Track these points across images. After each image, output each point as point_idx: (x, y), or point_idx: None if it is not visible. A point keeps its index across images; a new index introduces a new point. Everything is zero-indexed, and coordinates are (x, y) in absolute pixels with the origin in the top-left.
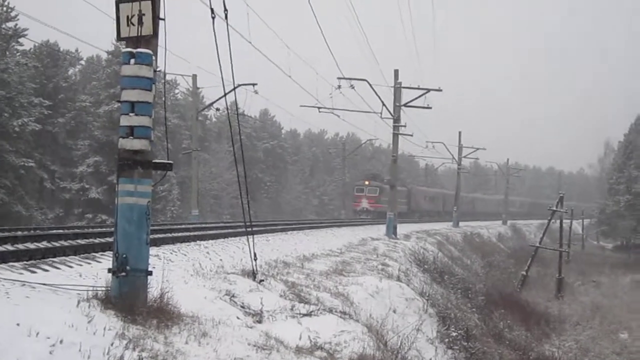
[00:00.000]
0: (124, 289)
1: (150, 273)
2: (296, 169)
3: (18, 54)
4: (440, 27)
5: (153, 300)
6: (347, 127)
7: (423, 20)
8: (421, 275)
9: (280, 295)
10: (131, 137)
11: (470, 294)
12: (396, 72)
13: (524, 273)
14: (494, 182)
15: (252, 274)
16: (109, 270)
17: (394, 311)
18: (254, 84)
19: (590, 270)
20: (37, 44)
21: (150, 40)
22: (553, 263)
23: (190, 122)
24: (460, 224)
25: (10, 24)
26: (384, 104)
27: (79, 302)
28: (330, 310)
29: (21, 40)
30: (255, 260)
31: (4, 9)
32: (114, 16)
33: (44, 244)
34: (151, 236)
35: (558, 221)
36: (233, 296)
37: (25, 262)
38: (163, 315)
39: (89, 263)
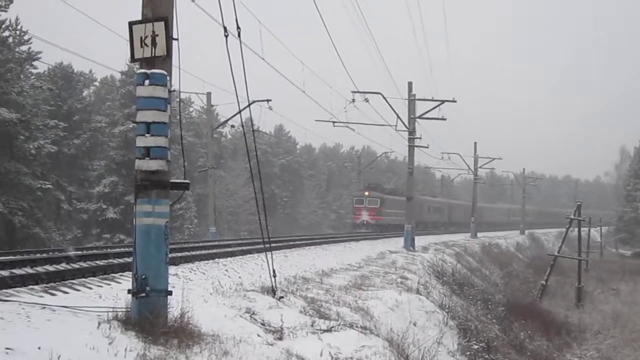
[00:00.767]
0: (144, 309)
1: (170, 293)
2: (312, 184)
3: (32, 76)
4: (453, 38)
5: (173, 320)
6: (363, 141)
7: (436, 31)
8: (440, 288)
9: (300, 312)
10: (148, 158)
11: (490, 305)
12: (410, 84)
13: (543, 282)
14: (511, 192)
15: (272, 291)
16: (129, 291)
17: (415, 324)
18: (268, 100)
19: (609, 278)
20: (51, 67)
21: (164, 60)
22: (572, 272)
23: (205, 140)
24: (478, 234)
25: (24, 48)
26: (398, 117)
27: (99, 323)
28: (351, 325)
29: (35, 63)
30: (275, 276)
31: (18, 32)
32: (128, 37)
33: (63, 266)
34: (170, 255)
35: (576, 229)
36: (253, 314)
37: (45, 285)
38: (184, 335)
39: (109, 284)
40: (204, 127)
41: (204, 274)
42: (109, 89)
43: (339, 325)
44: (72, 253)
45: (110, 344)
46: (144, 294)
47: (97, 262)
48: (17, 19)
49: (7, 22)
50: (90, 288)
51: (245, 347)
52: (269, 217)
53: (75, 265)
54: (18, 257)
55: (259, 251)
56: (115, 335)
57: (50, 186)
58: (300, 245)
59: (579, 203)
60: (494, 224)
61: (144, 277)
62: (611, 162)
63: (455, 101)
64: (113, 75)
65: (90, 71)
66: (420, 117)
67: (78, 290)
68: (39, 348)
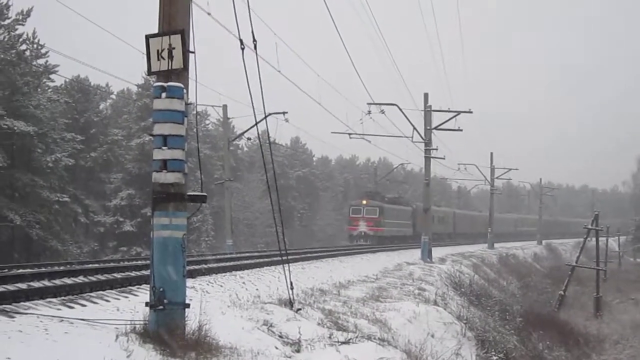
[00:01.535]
0: (162, 322)
1: (188, 305)
2: (328, 196)
3: (49, 90)
4: (469, 48)
5: (191, 332)
6: (379, 152)
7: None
8: (458, 299)
9: (318, 324)
10: (165, 171)
11: (508, 315)
12: (426, 95)
13: (562, 293)
14: (527, 202)
15: (289, 303)
16: (147, 304)
17: (432, 336)
18: (284, 113)
19: (628, 288)
20: (67, 80)
21: (181, 73)
22: (590, 282)
23: (221, 153)
24: (495, 245)
25: (41, 61)
26: (414, 128)
27: (117, 336)
28: (369, 337)
29: (52, 76)
30: (292, 288)
31: (35, 46)
32: (145, 51)
33: (80, 279)
34: (187, 268)
35: (594, 239)
36: (271, 326)
37: (62, 298)
38: (202, 347)
39: (126, 297)
40: (221, 139)
41: (221, 286)
42: (126, 102)
43: (356, 337)
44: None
45: (128, 356)
46: (161, 307)
47: (115, 274)
48: (34, 33)
49: (25, 36)
50: (108, 301)
51: None
52: (286, 229)
53: (93, 278)
54: (36, 269)
55: (276, 263)
56: (133, 348)
57: (67, 199)
58: (317, 257)
59: (596, 213)
60: (502, 234)
61: (161, 289)
62: (628, 172)
63: (471, 112)
64: (129, 89)
65: (107, 84)
66: (436, 128)
67: (96, 303)
68: None
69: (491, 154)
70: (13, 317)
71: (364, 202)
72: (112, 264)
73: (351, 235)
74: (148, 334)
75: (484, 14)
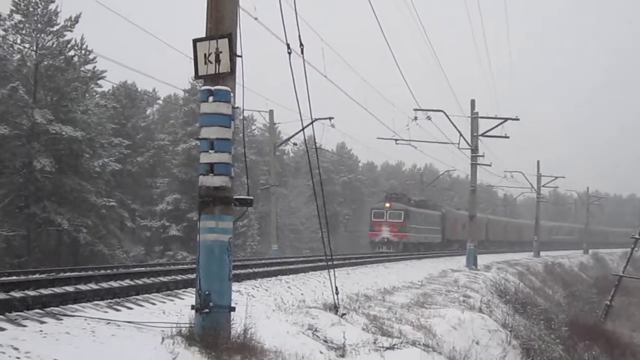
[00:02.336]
0: (208, 325)
1: (234, 309)
2: (374, 202)
3: (97, 95)
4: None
5: (236, 336)
6: (425, 159)
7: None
8: (503, 306)
9: (363, 329)
10: (211, 174)
11: (554, 324)
12: (472, 102)
13: (608, 303)
14: (574, 211)
15: (334, 308)
16: (192, 307)
17: (477, 343)
18: (330, 118)
19: None
20: (115, 85)
21: (228, 77)
22: (637, 292)
23: (267, 158)
24: (541, 253)
25: (89, 67)
26: (461, 135)
27: (163, 339)
28: (413, 343)
29: (100, 82)
30: (337, 294)
31: (83, 52)
32: (192, 55)
33: (127, 282)
34: (233, 272)
35: None
36: (315, 330)
37: (109, 301)
38: (247, 351)
39: (172, 300)
40: (267, 145)
41: (266, 290)
42: (172, 107)
43: (401, 343)
44: (136, 269)
45: (174, 359)
46: (207, 310)
47: (161, 278)
48: (82, 39)
49: (73, 42)
50: (154, 304)
51: None
52: (331, 234)
53: (139, 282)
54: (83, 273)
55: (321, 268)
56: (179, 350)
57: (114, 204)
58: (362, 263)
59: None
60: (529, 243)
61: (207, 293)
62: None
63: (518, 119)
64: (176, 94)
65: (154, 89)
66: (483, 134)
67: (142, 306)
68: None
69: (538, 161)
70: (61, 320)
71: (387, 205)
72: (158, 268)
73: (372, 241)
74: (193, 337)
75: (532, 14)
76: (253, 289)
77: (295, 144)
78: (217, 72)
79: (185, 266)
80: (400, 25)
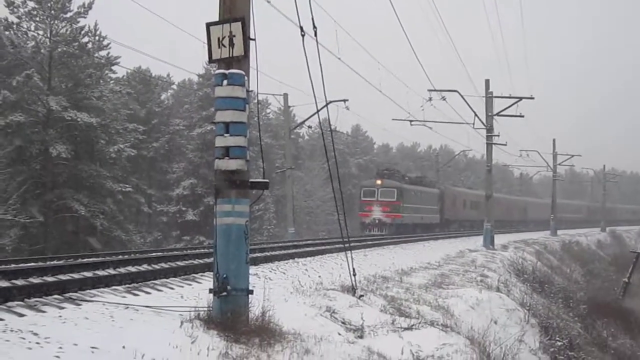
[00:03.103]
0: (226, 308)
1: (251, 292)
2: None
3: (111, 81)
4: (530, 32)
5: (255, 319)
6: (440, 139)
7: (513, 25)
8: (521, 286)
9: (381, 310)
10: (227, 158)
11: (572, 303)
12: (487, 82)
13: (626, 280)
14: (590, 189)
15: (352, 290)
16: (210, 291)
17: (495, 322)
18: (345, 100)
19: None
20: (129, 71)
21: (242, 60)
22: None
23: (282, 141)
24: (558, 232)
25: (103, 53)
26: (476, 115)
27: (182, 323)
28: (431, 324)
29: (114, 67)
30: (354, 275)
31: (97, 38)
32: (205, 39)
33: (144, 267)
34: (249, 255)
35: None
36: (333, 312)
37: (127, 285)
38: (265, 333)
39: (190, 284)
40: (281, 128)
41: (284, 273)
42: (187, 92)
43: (419, 323)
44: (153, 254)
45: (192, 342)
46: (225, 293)
47: (178, 262)
48: (95, 25)
49: (87, 28)
50: (172, 288)
51: (327, 346)
52: (347, 217)
53: (157, 266)
54: (100, 259)
55: (338, 251)
56: (198, 334)
57: (130, 189)
58: (379, 245)
59: None
60: (535, 221)
61: (225, 276)
62: None
63: (533, 98)
64: (190, 79)
65: (168, 75)
66: (497, 114)
67: (160, 290)
68: (124, 347)
69: (553, 140)
70: (79, 305)
71: (379, 182)
72: (175, 252)
73: (363, 223)
74: (212, 320)
75: None
76: (270, 272)
77: (310, 127)
78: (230, 55)
79: (202, 250)
80: (413, 6)
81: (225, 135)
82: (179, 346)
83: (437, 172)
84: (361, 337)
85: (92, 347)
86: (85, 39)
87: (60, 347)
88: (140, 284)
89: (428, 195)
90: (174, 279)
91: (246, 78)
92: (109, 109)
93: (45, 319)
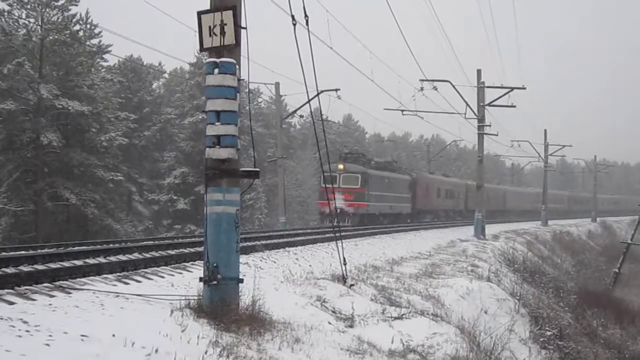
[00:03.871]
0: (216, 297)
1: (242, 281)
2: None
3: (103, 69)
4: (522, 23)
5: (245, 307)
6: (432, 129)
7: (505, 16)
8: (511, 276)
9: (371, 299)
10: (218, 147)
11: (562, 293)
12: (479, 71)
13: (616, 270)
14: (582, 180)
15: (342, 279)
16: (201, 279)
17: (486, 312)
18: (336, 90)
19: None
20: (121, 59)
21: (233, 49)
22: None
23: (274, 130)
24: (549, 222)
25: (94, 41)
26: (467, 105)
27: (172, 311)
28: (422, 313)
29: (105, 56)
30: (345, 265)
31: (88, 26)
32: (196, 28)
33: (135, 256)
34: (240, 244)
35: None
36: (324, 301)
37: (118, 274)
38: (255, 322)
39: (180, 273)
40: (273, 118)
41: (274, 262)
42: (178, 80)
43: (409, 312)
44: (144, 243)
45: (183, 331)
46: (215, 282)
47: (169, 251)
48: (87, 13)
49: (78, 16)
50: (163, 277)
51: (317, 335)
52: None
53: (147, 255)
54: (91, 247)
55: (328, 240)
56: (188, 322)
57: (121, 178)
58: (370, 234)
59: None
60: (514, 211)
61: (215, 265)
62: None
63: (524, 88)
64: (182, 67)
65: (160, 63)
66: (489, 104)
67: (150, 279)
68: (114, 335)
69: (545, 130)
70: (70, 293)
71: (341, 166)
72: (166, 241)
73: (322, 212)
74: (202, 309)
75: None
76: (261, 261)
77: (301, 116)
78: (222, 44)
79: (193, 239)
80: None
81: (216, 123)
82: (169, 334)
83: (429, 162)
84: (351, 326)
85: (82, 335)
86: (77, 27)
87: (50, 335)
88: (131, 272)
89: (398, 182)
90: (164, 267)
91: (237, 67)
92: (100, 97)
93: (35, 307)
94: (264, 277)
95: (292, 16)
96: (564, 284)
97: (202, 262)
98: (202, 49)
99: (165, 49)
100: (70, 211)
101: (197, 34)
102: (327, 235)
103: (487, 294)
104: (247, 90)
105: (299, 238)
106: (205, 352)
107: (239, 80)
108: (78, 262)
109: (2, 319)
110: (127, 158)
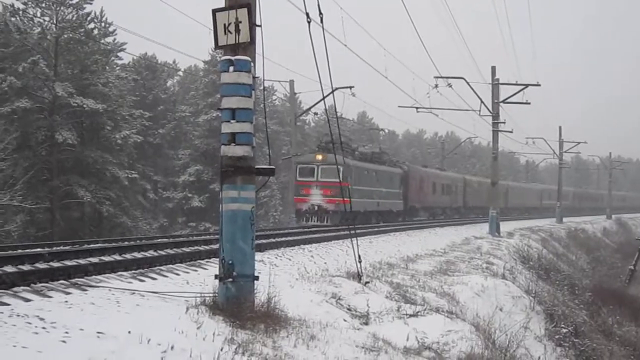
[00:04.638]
0: (231, 294)
1: (257, 278)
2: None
3: (117, 67)
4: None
5: (260, 304)
6: (446, 126)
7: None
8: (526, 273)
9: (386, 297)
10: (233, 144)
11: (577, 290)
12: (493, 68)
13: (632, 267)
14: (596, 176)
15: (357, 276)
16: (216, 277)
17: (501, 309)
18: (351, 87)
19: None
20: (135, 57)
21: (248, 47)
22: None
23: (288, 128)
24: (564, 219)
25: (109, 39)
26: (482, 102)
27: (187, 308)
28: (437, 310)
29: (120, 54)
30: (360, 262)
31: (103, 24)
32: (211, 25)
33: (150, 253)
34: (256, 241)
35: None
36: (339, 299)
37: (133, 271)
38: (271, 319)
39: (195, 270)
40: (287, 115)
41: (289, 259)
42: (193, 78)
43: (424, 310)
44: (159, 240)
45: (198, 328)
46: (231, 279)
47: (184, 248)
48: (102, 11)
49: (93, 14)
50: (178, 274)
51: (332, 332)
52: None
53: (163, 252)
54: (106, 244)
55: (344, 237)
56: (203, 319)
57: (136, 175)
58: (385, 232)
59: None
60: (518, 208)
61: (230, 262)
62: None
63: (539, 85)
64: (196, 65)
65: (174, 61)
66: (504, 101)
67: (166, 276)
68: (129, 332)
69: (560, 127)
70: (85, 290)
71: (319, 157)
72: (181, 239)
73: (299, 210)
74: (217, 306)
75: None
76: (276, 258)
77: (316, 114)
78: (237, 42)
79: (208, 237)
80: None
81: (232, 121)
82: (185, 332)
83: (443, 159)
84: (366, 323)
85: (98, 332)
86: (91, 25)
87: (67, 332)
88: (146, 269)
89: (387, 176)
90: (179, 265)
91: (252, 64)
92: (115, 95)
93: (51, 304)
94: (279, 275)
95: (307, 14)
96: (579, 281)
97: (217, 259)
98: (217, 46)
99: (180, 47)
100: (85, 209)
101: (212, 32)
102: (342, 232)
103: (502, 291)
104: (262, 87)
105: (314, 235)
106: (221, 349)
107: (253, 77)
108: (94, 260)
109: (18, 315)
110: (141, 156)
